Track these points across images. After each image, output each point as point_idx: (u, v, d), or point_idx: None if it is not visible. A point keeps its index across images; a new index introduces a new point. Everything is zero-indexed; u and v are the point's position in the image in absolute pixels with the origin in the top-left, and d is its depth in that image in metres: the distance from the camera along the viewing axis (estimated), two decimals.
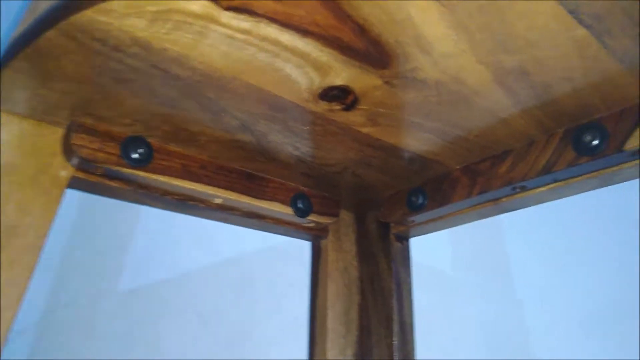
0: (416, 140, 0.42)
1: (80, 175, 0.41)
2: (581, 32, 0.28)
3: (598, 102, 0.35)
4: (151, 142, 0.42)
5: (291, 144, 0.42)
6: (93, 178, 0.41)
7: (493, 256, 0.76)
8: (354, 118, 0.38)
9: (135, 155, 0.41)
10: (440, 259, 0.76)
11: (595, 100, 0.35)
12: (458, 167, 0.46)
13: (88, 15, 0.28)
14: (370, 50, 0.30)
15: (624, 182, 0.40)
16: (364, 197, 0.55)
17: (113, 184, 0.42)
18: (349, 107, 0.37)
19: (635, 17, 0.27)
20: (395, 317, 0.51)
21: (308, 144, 0.43)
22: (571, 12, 0.27)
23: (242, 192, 0.46)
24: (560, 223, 0.86)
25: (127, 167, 0.41)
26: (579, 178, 0.40)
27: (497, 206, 0.45)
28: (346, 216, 0.57)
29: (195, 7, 0.27)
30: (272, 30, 0.29)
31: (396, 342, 0.50)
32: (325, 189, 0.52)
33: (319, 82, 0.34)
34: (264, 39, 0.30)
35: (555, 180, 0.41)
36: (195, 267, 0.86)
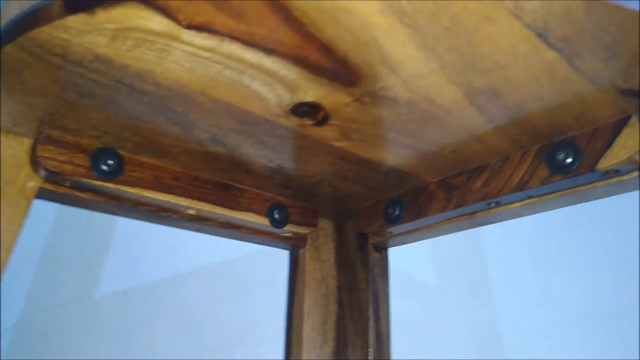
0: (391, 155, 0.41)
1: (49, 186, 0.40)
2: (550, 54, 0.28)
3: (571, 121, 0.35)
4: (122, 153, 0.41)
5: (265, 156, 0.42)
6: (62, 189, 0.41)
7: (474, 261, 0.76)
8: (326, 133, 0.38)
9: (104, 167, 0.40)
10: (422, 265, 0.76)
11: (568, 119, 0.35)
12: (434, 180, 0.46)
13: (46, 32, 0.27)
14: (338, 69, 0.30)
15: (598, 199, 0.40)
16: (342, 207, 0.55)
17: (83, 195, 0.41)
18: (321, 123, 0.36)
19: (604, 42, 0.27)
20: (372, 328, 0.51)
21: (282, 157, 0.42)
22: (539, 35, 0.26)
23: (217, 203, 0.46)
24: (544, 225, 0.86)
25: (96, 179, 0.40)
26: (553, 195, 0.39)
27: (472, 220, 0.45)
28: (325, 225, 0.57)
29: (154, 25, 0.26)
30: (235, 49, 0.28)
31: (372, 353, 0.50)
32: (303, 199, 0.52)
33: (289, 98, 0.33)
34: (229, 56, 0.29)
35: (530, 197, 0.40)
36: (193, 268, 0.85)
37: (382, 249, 0.55)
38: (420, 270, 0.72)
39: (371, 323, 0.51)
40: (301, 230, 0.52)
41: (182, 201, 0.44)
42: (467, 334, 0.74)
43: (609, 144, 0.34)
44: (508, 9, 0.24)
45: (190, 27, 0.27)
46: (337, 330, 0.53)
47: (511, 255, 0.75)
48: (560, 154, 0.36)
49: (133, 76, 0.31)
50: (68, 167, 0.39)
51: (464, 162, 0.42)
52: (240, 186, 0.48)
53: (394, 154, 0.41)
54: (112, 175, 0.40)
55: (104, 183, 0.40)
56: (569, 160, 0.36)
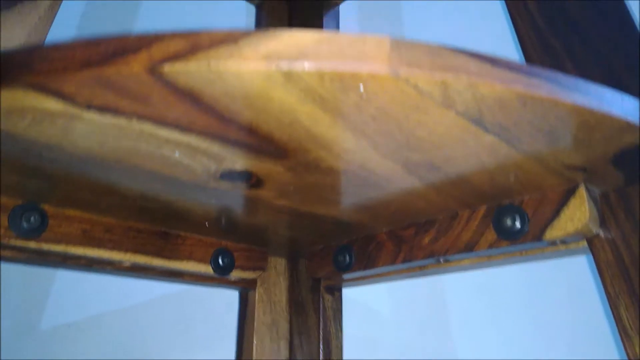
0: (335, 210, 0.39)
1: None
2: (489, 138, 0.26)
3: (517, 186, 0.33)
4: (45, 208, 0.38)
5: (202, 208, 0.39)
6: None
7: (432, 289, 0.74)
8: (264, 193, 0.35)
9: (25, 225, 0.37)
10: (376, 293, 0.74)
11: (514, 185, 0.33)
12: (384, 230, 0.44)
13: None
14: (264, 145, 0.27)
15: (547, 260, 0.38)
16: (294, 248, 0.52)
17: (4, 253, 0.38)
18: (256, 186, 0.34)
19: (543, 129, 0.25)
20: None
21: (220, 211, 0.40)
22: (474, 122, 0.24)
23: (154, 253, 0.43)
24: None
25: (16, 239, 0.37)
26: (501, 256, 0.38)
27: (422, 272, 0.43)
28: (277, 264, 0.54)
29: (51, 106, 0.24)
30: (147, 127, 0.26)
31: None
32: (251, 242, 0.50)
33: (216, 167, 0.31)
34: (141, 133, 0.26)
35: (478, 256, 0.39)
36: (147, 299, 0.80)
37: (336, 290, 0.53)
38: (374, 298, 0.70)
39: None
40: (248, 275, 0.50)
41: (114, 255, 0.41)
42: None
43: (556, 213, 0.33)
44: (437, 100, 0.22)
45: (90, 107, 0.24)
46: None
47: (469, 285, 0.73)
48: (507, 219, 0.35)
49: (40, 147, 0.28)
50: None
51: (411, 215, 0.40)
52: (181, 233, 0.45)
53: (339, 210, 0.39)
54: (35, 232, 0.37)
55: (25, 242, 0.37)
56: (517, 226, 0.34)
